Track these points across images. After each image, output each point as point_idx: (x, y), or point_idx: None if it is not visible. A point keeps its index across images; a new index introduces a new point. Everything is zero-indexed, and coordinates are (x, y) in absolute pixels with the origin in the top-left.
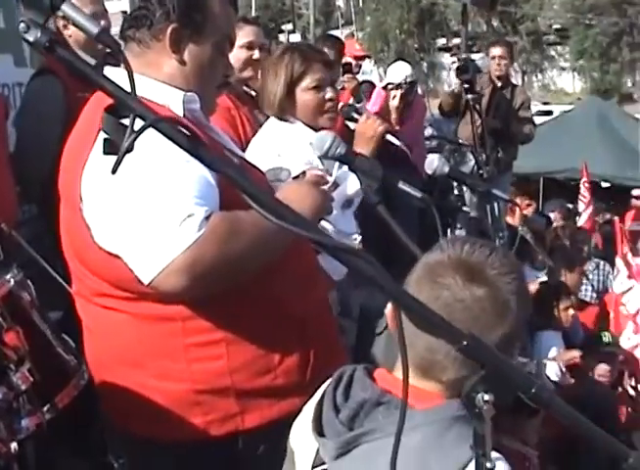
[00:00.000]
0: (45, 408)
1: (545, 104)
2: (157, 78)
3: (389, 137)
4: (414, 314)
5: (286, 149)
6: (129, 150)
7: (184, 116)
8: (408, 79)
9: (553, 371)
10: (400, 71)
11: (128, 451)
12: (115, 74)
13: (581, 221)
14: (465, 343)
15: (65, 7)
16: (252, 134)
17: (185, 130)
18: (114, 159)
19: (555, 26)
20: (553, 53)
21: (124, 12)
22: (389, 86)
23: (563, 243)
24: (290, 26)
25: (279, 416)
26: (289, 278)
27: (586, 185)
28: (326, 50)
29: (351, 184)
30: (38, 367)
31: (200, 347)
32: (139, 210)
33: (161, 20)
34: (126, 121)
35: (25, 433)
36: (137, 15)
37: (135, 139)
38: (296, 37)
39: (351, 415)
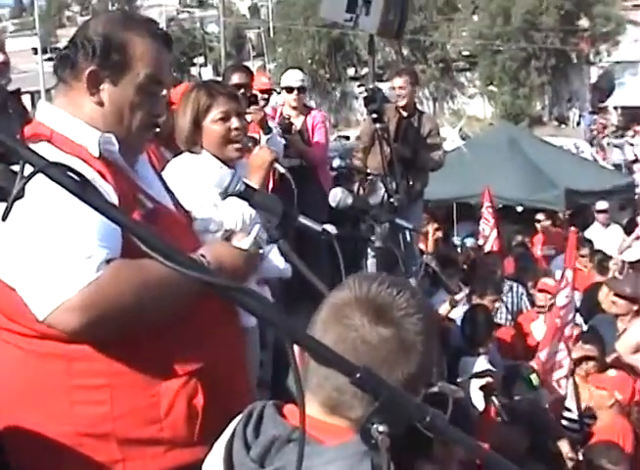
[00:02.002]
0: None
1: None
2: (79, 117)
3: (277, 166)
4: (309, 349)
5: (191, 179)
6: (19, 196)
7: (100, 156)
8: (301, 83)
9: (473, 390)
10: (293, 76)
11: None
12: (45, 110)
13: (488, 245)
14: (358, 375)
15: None
16: (161, 170)
17: (75, 176)
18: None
19: (464, 53)
20: (463, 79)
21: (34, 49)
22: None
23: (477, 267)
24: (201, 59)
25: (165, 468)
26: (182, 330)
27: (489, 209)
28: (237, 77)
29: (276, 264)
30: None
31: (84, 390)
32: (40, 245)
33: (82, 61)
34: (16, 168)
35: None
36: (62, 55)
37: (24, 185)
38: (207, 70)
39: (262, 452)
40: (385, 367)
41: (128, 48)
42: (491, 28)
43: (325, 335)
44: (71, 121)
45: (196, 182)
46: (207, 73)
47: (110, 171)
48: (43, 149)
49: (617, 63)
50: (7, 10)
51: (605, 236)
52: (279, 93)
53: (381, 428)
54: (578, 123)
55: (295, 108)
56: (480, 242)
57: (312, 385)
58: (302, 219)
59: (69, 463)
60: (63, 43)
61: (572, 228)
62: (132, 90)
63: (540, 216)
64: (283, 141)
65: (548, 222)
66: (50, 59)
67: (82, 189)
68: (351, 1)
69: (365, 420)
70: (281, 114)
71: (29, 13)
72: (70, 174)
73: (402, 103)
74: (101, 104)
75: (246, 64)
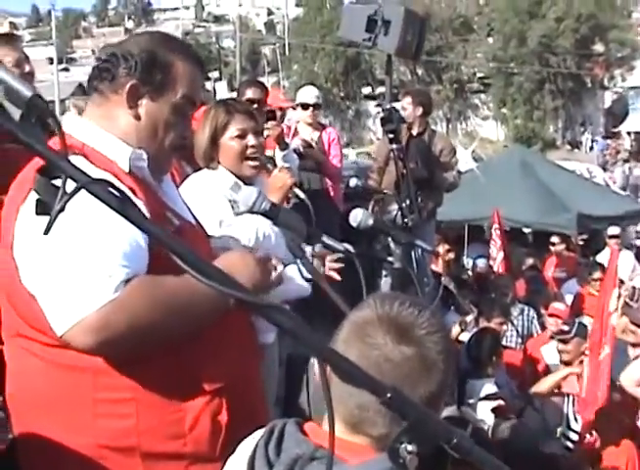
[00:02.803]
0: None
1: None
2: (111, 132)
3: (297, 190)
4: (336, 368)
5: (207, 196)
6: (61, 211)
7: (130, 172)
8: (316, 100)
9: (486, 411)
10: (309, 93)
11: None
12: (75, 123)
13: (495, 266)
14: (389, 395)
15: None
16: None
17: (116, 192)
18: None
19: (478, 75)
20: (477, 101)
21: (50, 58)
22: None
23: (489, 290)
24: (216, 74)
25: None
26: (205, 346)
27: (497, 231)
28: (250, 93)
29: (297, 284)
30: None
31: (108, 403)
32: (64, 260)
33: (123, 74)
34: (58, 182)
35: None
36: (102, 67)
37: (67, 201)
38: (222, 85)
39: None
40: (407, 385)
41: (172, 68)
42: (506, 51)
43: (347, 353)
44: (103, 135)
45: (211, 200)
46: (222, 88)
47: (139, 187)
48: (77, 163)
49: (632, 88)
50: (23, 19)
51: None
52: (294, 109)
53: (410, 447)
54: (591, 148)
55: (310, 124)
56: (492, 263)
57: (334, 402)
58: (326, 239)
59: None
60: (78, 54)
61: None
62: (168, 109)
63: (555, 239)
64: (297, 158)
65: (562, 246)
66: (65, 69)
67: (123, 206)
68: (370, 21)
69: (394, 439)
70: (295, 129)
71: (46, 23)
72: (112, 191)
73: (409, 121)
74: (138, 117)
75: (260, 79)
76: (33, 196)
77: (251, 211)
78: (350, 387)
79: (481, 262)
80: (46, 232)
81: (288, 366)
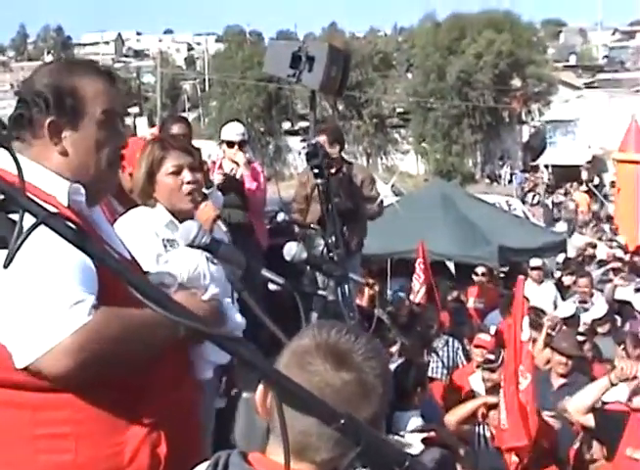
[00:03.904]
0: None
1: None
2: (46, 167)
3: (219, 223)
4: (292, 396)
5: (142, 230)
6: (20, 245)
7: (69, 206)
8: (242, 137)
9: (414, 444)
10: (234, 130)
11: None
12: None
13: (417, 299)
14: (342, 421)
15: None
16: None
17: (72, 224)
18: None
19: (398, 110)
20: (396, 136)
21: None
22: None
23: (416, 323)
24: (136, 109)
25: None
26: (142, 380)
27: (421, 266)
28: (176, 128)
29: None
30: None
31: (48, 438)
32: (26, 293)
33: (38, 116)
34: (14, 216)
35: None
36: (15, 116)
37: (27, 236)
38: (142, 120)
39: None
40: (350, 409)
41: (79, 91)
42: (425, 86)
43: None
44: (39, 170)
45: (146, 236)
46: (142, 123)
47: (79, 222)
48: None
49: (549, 122)
50: None
51: (538, 293)
52: (220, 144)
53: None
54: (510, 181)
55: (235, 162)
56: (412, 297)
57: (278, 431)
58: (265, 272)
59: None
60: None
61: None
62: (94, 129)
63: (479, 270)
64: (222, 196)
65: (485, 278)
66: None
67: (82, 240)
68: (295, 57)
69: (348, 464)
70: (220, 166)
71: None
72: (70, 225)
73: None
74: (65, 153)
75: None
76: None
77: (191, 246)
78: (291, 415)
79: (398, 297)
80: (5, 266)
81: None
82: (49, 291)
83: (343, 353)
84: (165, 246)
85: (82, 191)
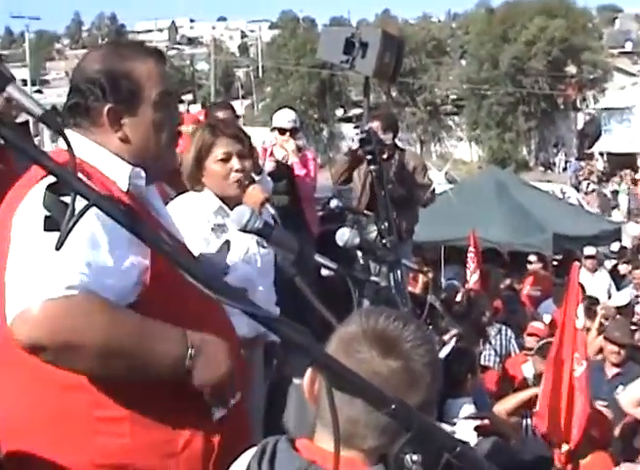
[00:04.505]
0: None
1: None
2: (109, 150)
3: (268, 206)
4: (341, 380)
5: (190, 215)
6: (72, 229)
7: (128, 191)
8: (294, 124)
9: (465, 431)
10: (285, 117)
11: None
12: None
13: (470, 285)
14: (393, 407)
15: (9, 89)
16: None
17: (123, 208)
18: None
19: (451, 97)
20: (450, 123)
21: (24, 80)
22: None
23: (471, 311)
24: (190, 97)
25: None
26: None
27: (472, 253)
28: (221, 115)
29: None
30: None
31: (106, 421)
32: (31, 253)
33: (94, 103)
34: (67, 199)
35: None
36: (70, 105)
37: (78, 219)
38: (196, 108)
39: None
40: None
41: (133, 75)
42: (479, 73)
43: None
44: (102, 154)
45: (196, 221)
46: (196, 111)
47: (136, 207)
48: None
49: (604, 109)
50: None
51: (592, 281)
52: (272, 131)
53: (414, 457)
54: (565, 169)
55: (287, 149)
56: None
57: (326, 418)
58: (318, 257)
59: None
60: (52, 76)
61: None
62: (151, 112)
63: (532, 258)
64: (271, 182)
65: (539, 265)
66: (39, 91)
67: (134, 223)
68: (348, 43)
69: (398, 449)
70: (271, 153)
71: (19, 44)
72: (122, 208)
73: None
74: (126, 139)
75: (234, 102)
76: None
77: (244, 230)
78: (340, 402)
79: (452, 284)
80: (57, 248)
81: (270, 386)
82: (46, 255)
83: (391, 340)
84: (216, 231)
85: (143, 174)
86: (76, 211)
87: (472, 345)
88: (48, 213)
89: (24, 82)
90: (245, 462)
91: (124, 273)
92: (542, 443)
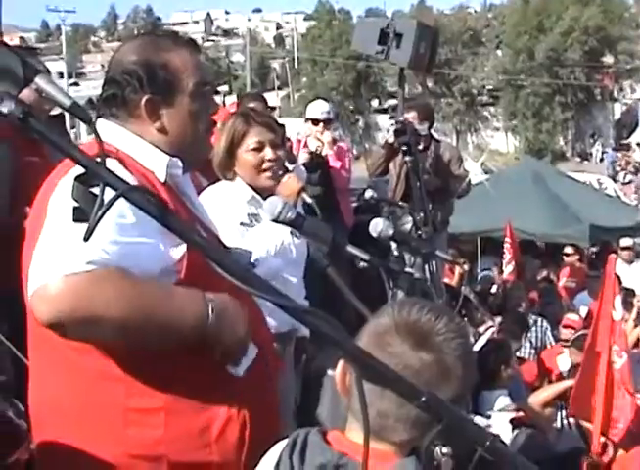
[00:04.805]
0: None
1: None
2: (147, 140)
3: (304, 195)
4: (372, 373)
5: (223, 205)
6: (100, 219)
7: (165, 182)
8: (327, 115)
9: (501, 424)
10: (319, 108)
11: None
12: (109, 129)
13: (505, 275)
14: (423, 399)
15: (38, 79)
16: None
17: (153, 199)
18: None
19: (487, 87)
20: (486, 113)
21: (60, 73)
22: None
23: (511, 305)
24: (226, 88)
25: None
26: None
27: (507, 245)
28: (252, 104)
29: None
30: None
31: (140, 412)
32: (61, 232)
33: (132, 95)
34: (96, 190)
35: None
36: (106, 96)
37: (106, 210)
38: (231, 99)
39: None
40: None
41: (170, 65)
42: (514, 64)
43: None
44: (138, 142)
45: (231, 212)
46: (230, 102)
47: (172, 198)
48: (112, 167)
49: None
50: (33, 34)
51: (629, 273)
52: (306, 122)
53: (445, 450)
54: (601, 159)
55: (320, 140)
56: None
57: (356, 410)
58: (350, 248)
59: None
60: (88, 68)
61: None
62: (188, 102)
63: (568, 250)
64: (305, 171)
65: (575, 257)
66: (75, 84)
67: (163, 214)
68: (383, 34)
69: (429, 442)
70: (305, 144)
71: (55, 37)
72: (151, 199)
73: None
74: (163, 130)
75: (270, 93)
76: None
77: (276, 221)
78: (369, 396)
79: (487, 276)
80: (86, 239)
81: (305, 378)
82: (71, 238)
83: (424, 333)
84: (251, 221)
85: (180, 164)
86: (105, 202)
87: (513, 337)
88: (77, 204)
89: (61, 75)
90: (276, 454)
91: (152, 258)
92: (577, 434)
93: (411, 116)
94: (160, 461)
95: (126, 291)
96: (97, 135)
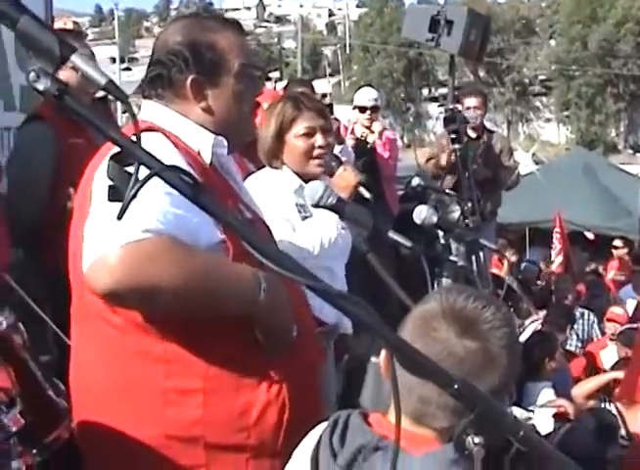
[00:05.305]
0: (35, 450)
1: None
2: (192, 120)
3: (362, 189)
4: (406, 358)
5: (271, 194)
6: (134, 198)
7: (211, 163)
8: (374, 103)
9: (543, 418)
10: (366, 95)
11: None
12: (155, 109)
13: (554, 267)
14: (456, 386)
15: (74, 57)
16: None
17: (189, 179)
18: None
19: (540, 78)
20: (538, 104)
21: (112, 58)
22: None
23: (558, 297)
24: (277, 74)
25: None
26: None
27: (558, 235)
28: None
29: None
30: (29, 409)
31: (178, 392)
32: (111, 207)
33: (177, 75)
34: (131, 169)
35: None
36: (151, 77)
37: (140, 188)
38: (282, 85)
39: (349, 460)
40: (470, 380)
41: (216, 46)
42: (567, 54)
43: None
44: (185, 124)
45: (278, 201)
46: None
47: (217, 179)
48: (156, 140)
49: None
50: (87, 19)
51: None
52: (353, 109)
53: (477, 439)
54: None
55: (367, 127)
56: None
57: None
58: (392, 234)
59: (151, 465)
60: (140, 53)
61: None
62: (233, 82)
63: (617, 243)
64: (352, 152)
65: (625, 250)
66: (127, 68)
67: (196, 193)
68: (433, 21)
69: (461, 430)
70: (352, 131)
71: (108, 22)
72: (185, 178)
73: (474, 124)
74: (209, 110)
75: (321, 80)
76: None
77: (317, 206)
78: (412, 381)
79: (531, 267)
80: (119, 217)
81: (347, 365)
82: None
83: (470, 320)
84: (300, 211)
85: (225, 143)
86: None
87: (559, 330)
88: (112, 183)
89: (113, 60)
90: (316, 435)
91: (202, 233)
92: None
93: (478, 100)
94: (196, 442)
95: (182, 259)
96: (132, 114)
